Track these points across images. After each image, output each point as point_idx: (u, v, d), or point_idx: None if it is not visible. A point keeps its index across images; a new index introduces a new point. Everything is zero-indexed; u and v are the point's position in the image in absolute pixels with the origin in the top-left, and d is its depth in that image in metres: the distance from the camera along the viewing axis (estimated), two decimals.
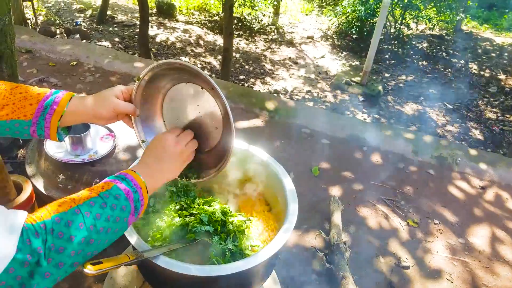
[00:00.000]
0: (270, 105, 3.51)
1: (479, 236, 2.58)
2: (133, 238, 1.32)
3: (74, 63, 3.74)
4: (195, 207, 1.67)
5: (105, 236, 0.90)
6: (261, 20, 7.49)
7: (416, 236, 2.51)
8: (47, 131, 1.07)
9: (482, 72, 6.13)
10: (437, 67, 6.21)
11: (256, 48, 6.13)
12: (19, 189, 2.00)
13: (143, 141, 1.32)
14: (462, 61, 6.52)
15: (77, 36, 5.39)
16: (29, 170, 2.18)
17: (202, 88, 1.22)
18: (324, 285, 2.11)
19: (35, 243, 0.74)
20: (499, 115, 4.87)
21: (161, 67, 1.18)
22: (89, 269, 1.04)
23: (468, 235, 2.58)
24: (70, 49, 3.83)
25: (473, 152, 3.31)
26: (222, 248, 1.54)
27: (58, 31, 5.57)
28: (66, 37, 5.31)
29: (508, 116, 4.87)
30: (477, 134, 4.44)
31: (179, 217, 1.61)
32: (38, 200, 2.09)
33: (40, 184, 2.10)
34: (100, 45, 5.04)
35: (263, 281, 1.56)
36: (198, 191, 1.83)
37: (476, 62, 6.53)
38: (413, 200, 2.79)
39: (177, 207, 1.68)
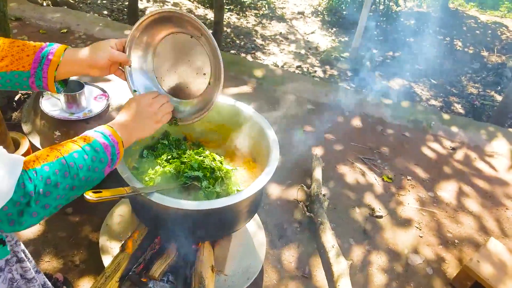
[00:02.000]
0: (258, 73, 3.65)
1: (447, 190, 2.81)
2: (131, 180, 1.47)
3: (65, 30, 3.80)
4: (186, 157, 1.84)
5: (85, 183, 1.01)
6: None
7: (390, 190, 2.73)
8: (45, 81, 1.16)
9: (466, 49, 6.31)
10: (423, 43, 6.36)
11: (247, 23, 6.18)
12: (16, 145, 2.13)
13: (134, 91, 1.42)
14: (448, 38, 6.67)
15: (65, 7, 5.37)
16: (25, 128, 2.30)
17: (192, 37, 1.33)
18: (304, 231, 2.32)
19: (28, 187, 0.85)
20: (480, 90, 5.07)
21: (153, 16, 1.28)
22: (91, 196, 1.20)
23: (437, 189, 2.81)
24: (61, 16, 3.88)
25: (446, 116, 3.52)
26: (211, 191, 1.72)
27: (45, 4, 5.55)
28: None
29: (489, 91, 5.07)
30: (458, 108, 4.64)
31: (170, 165, 1.78)
32: None
33: (36, 140, 2.22)
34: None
35: (247, 220, 1.74)
36: (189, 145, 2.00)
37: (461, 39, 6.69)
38: (389, 159, 3.00)
39: (168, 157, 1.84)
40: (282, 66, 5.01)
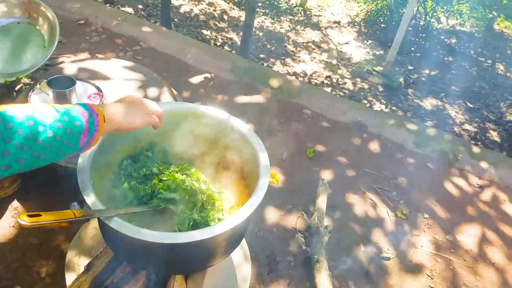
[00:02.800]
0: (274, 82, 3.42)
1: (468, 235, 2.49)
2: (89, 197, 1.28)
3: (82, 22, 3.70)
4: (166, 173, 1.64)
5: (53, 143, 0.91)
6: (289, 0, 7.30)
7: (403, 228, 2.44)
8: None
9: (508, 74, 5.89)
10: (462, 64, 5.97)
11: (280, 28, 5.99)
12: None
13: None
14: (490, 61, 6.26)
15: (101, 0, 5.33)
16: None
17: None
18: (298, 267, 2.07)
19: None
20: None
21: None
22: (24, 221, 1.00)
23: (457, 232, 2.49)
24: (80, 7, 3.79)
25: (476, 149, 3.18)
26: (187, 217, 1.51)
27: None
28: None
29: None
30: (494, 136, 4.28)
31: (147, 181, 1.59)
32: None
33: None
34: (120, 9, 4.98)
35: (224, 255, 1.52)
36: (175, 157, 1.80)
37: (503, 63, 6.26)
38: (405, 191, 2.71)
39: (147, 172, 1.65)
40: (311, 75, 4.77)
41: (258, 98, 3.25)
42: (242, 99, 3.19)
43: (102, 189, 1.48)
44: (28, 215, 1.03)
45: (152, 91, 2.33)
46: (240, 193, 1.69)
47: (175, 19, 5.26)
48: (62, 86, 2.02)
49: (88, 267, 1.59)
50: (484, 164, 3.04)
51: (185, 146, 1.79)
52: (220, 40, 5.23)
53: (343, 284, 2.05)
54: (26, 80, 2.74)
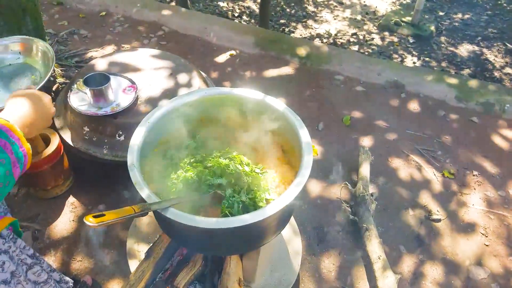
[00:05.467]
0: (302, 51, 3.34)
1: None
2: (143, 191, 1.33)
3: (104, 13, 3.72)
4: (210, 160, 1.66)
5: None
6: None
7: (451, 188, 2.38)
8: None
9: None
10: (499, 2, 5.57)
11: None
12: (47, 141, 2.09)
13: None
14: None
15: None
16: (57, 122, 2.25)
17: None
18: (347, 237, 2.08)
19: None
20: None
21: None
22: (91, 222, 1.06)
23: (510, 187, 2.41)
24: None
25: None
26: (235, 200, 1.54)
27: None
28: None
29: None
30: None
31: (193, 169, 1.62)
32: (67, 152, 2.17)
33: (67, 136, 2.17)
34: None
35: (276, 233, 1.55)
36: (215, 143, 1.81)
37: None
38: (451, 150, 2.62)
39: (191, 160, 1.68)
40: (336, 35, 4.61)
41: (286, 70, 3.20)
42: (271, 72, 3.14)
43: (152, 181, 1.52)
44: (94, 216, 1.09)
45: (183, 77, 2.34)
46: (284, 171, 1.69)
47: None
48: (97, 83, 2.06)
49: (149, 254, 1.67)
50: None
51: (223, 131, 1.81)
52: (238, 11, 5.11)
53: (394, 249, 2.05)
54: (61, 80, 2.81)
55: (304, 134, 1.56)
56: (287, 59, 3.29)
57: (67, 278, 1.61)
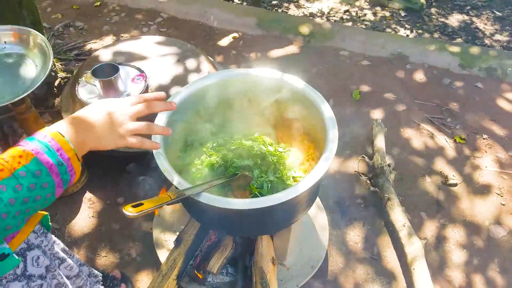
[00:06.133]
0: (305, 29, 3.31)
1: None
2: (174, 178, 1.33)
3: (98, 3, 3.63)
4: (233, 142, 1.66)
5: (23, 215, 0.80)
6: None
7: (464, 153, 2.41)
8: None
9: None
10: None
11: None
12: None
13: None
14: None
15: None
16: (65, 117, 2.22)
17: None
18: (369, 209, 2.11)
19: None
20: None
21: None
22: (130, 212, 1.05)
23: None
24: None
25: None
26: (264, 180, 1.54)
27: None
28: None
29: None
30: None
31: (217, 153, 1.62)
32: None
33: None
34: None
35: (306, 210, 1.56)
36: (235, 126, 1.81)
37: None
38: (460, 116, 2.64)
39: (214, 144, 1.68)
40: (328, 13, 4.58)
41: (291, 49, 3.17)
42: (276, 52, 3.12)
43: (176, 168, 1.52)
44: (132, 206, 1.09)
45: (191, 63, 2.31)
46: (307, 148, 1.70)
47: None
48: (106, 74, 2.03)
49: (178, 241, 1.67)
50: None
51: (243, 113, 1.79)
52: None
53: (416, 216, 2.08)
54: (63, 74, 2.77)
55: (326, 109, 1.56)
56: (291, 38, 3.26)
57: (96, 272, 1.62)
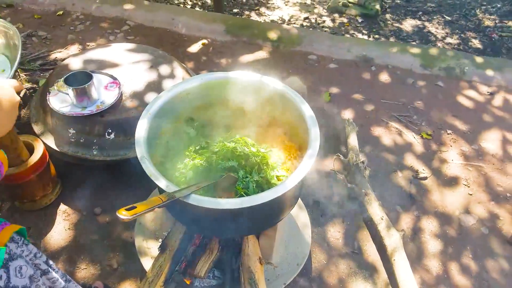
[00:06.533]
0: (273, 35, 3.37)
1: (491, 140, 2.61)
2: (161, 182, 1.32)
3: (61, 12, 3.54)
4: (216, 145, 1.67)
5: None
6: None
7: (431, 148, 2.54)
8: None
9: None
10: None
11: None
12: (30, 149, 1.98)
13: None
14: None
15: None
16: (36, 128, 2.15)
17: None
18: (347, 205, 2.17)
19: None
20: (497, 22, 4.71)
21: None
22: (124, 215, 1.05)
23: (480, 140, 2.61)
24: None
25: (479, 59, 3.24)
26: (249, 180, 1.56)
27: None
28: None
29: (506, 21, 4.72)
30: (476, 43, 4.33)
31: (200, 156, 1.62)
32: (52, 158, 2.08)
33: (51, 141, 2.08)
34: None
35: (292, 207, 1.59)
36: (215, 129, 1.82)
37: None
38: (424, 113, 2.78)
39: (197, 148, 1.68)
40: (289, 20, 4.69)
41: (261, 54, 3.22)
42: (246, 58, 3.16)
43: (160, 173, 1.51)
44: (126, 209, 1.08)
45: (164, 69, 2.30)
46: (288, 147, 1.74)
47: None
48: (79, 82, 1.99)
49: (163, 247, 1.65)
50: (490, 72, 3.11)
51: (223, 115, 1.81)
52: (190, 3, 5.05)
53: (392, 210, 2.17)
54: (28, 85, 2.67)
55: (306, 108, 1.61)
56: (260, 43, 3.31)
57: None
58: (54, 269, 1.38)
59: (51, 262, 1.38)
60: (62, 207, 2.11)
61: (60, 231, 2.01)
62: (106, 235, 2.00)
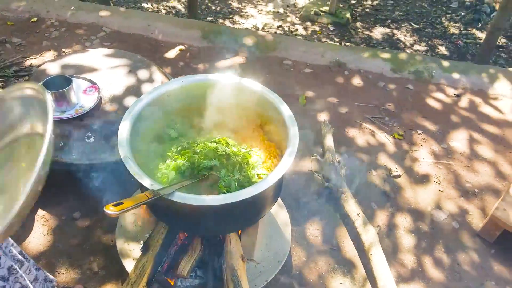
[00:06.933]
0: (249, 41, 3.45)
1: (459, 139, 2.75)
2: (145, 181, 1.35)
3: (35, 19, 3.49)
4: (197, 145, 1.70)
5: None
6: None
7: (403, 147, 2.65)
8: None
9: None
10: None
11: None
12: None
13: None
14: None
15: None
16: None
17: None
18: (324, 203, 2.24)
19: None
20: (462, 29, 4.96)
21: None
22: (112, 210, 1.08)
23: (449, 140, 2.74)
24: (27, 5, 3.56)
25: (445, 63, 3.41)
26: (232, 179, 1.60)
27: None
28: None
29: (470, 29, 4.97)
30: (443, 50, 4.54)
31: (182, 156, 1.65)
32: None
33: None
34: None
35: (272, 204, 1.64)
36: (196, 130, 1.86)
37: None
38: (396, 115, 2.90)
39: (179, 148, 1.71)
40: (263, 28, 4.79)
41: (238, 59, 3.28)
42: (223, 63, 3.21)
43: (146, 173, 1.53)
44: (113, 205, 1.11)
45: (143, 73, 2.32)
46: (268, 147, 1.79)
47: None
48: (57, 87, 1.99)
49: (145, 248, 1.67)
50: (455, 75, 3.28)
51: (204, 116, 1.85)
52: (163, 11, 5.08)
53: (367, 207, 2.25)
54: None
55: (285, 108, 1.67)
56: (236, 49, 3.38)
57: (51, 277, 1.59)
58: (26, 259, 1.39)
59: (23, 252, 1.39)
60: (40, 212, 2.09)
61: (38, 236, 1.98)
62: (86, 239, 1.99)
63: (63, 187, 2.17)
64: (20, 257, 1.30)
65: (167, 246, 1.73)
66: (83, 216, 2.09)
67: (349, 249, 2.04)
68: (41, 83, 1.98)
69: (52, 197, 2.14)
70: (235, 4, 5.35)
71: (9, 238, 1.28)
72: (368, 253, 1.92)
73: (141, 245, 1.74)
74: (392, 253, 2.06)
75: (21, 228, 2.01)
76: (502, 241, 2.10)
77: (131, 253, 1.84)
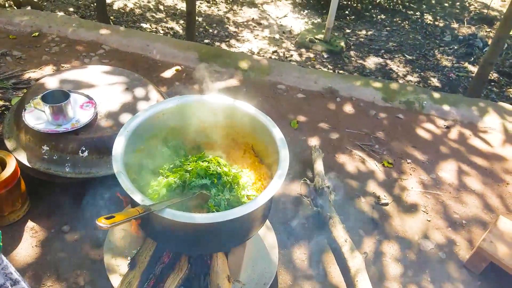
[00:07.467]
0: (244, 64, 3.53)
1: (447, 170, 2.80)
2: (136, 196, 1.37)
3: (36, 34, 3.56)
4: (189, 164, 1.73)
5: None
6: None
7: (392, 176, 2.69)
8: None
9: (436, 22, 6.30)
10: (394, 20, 6.32)
11: (218, 10, 5.99)
12: (2, 165, 1.98)
13: None
14: (418, 13, 6.65)
15: (28, 7, 5.07)
16: (9, 144, 2.14)
17: None
18: (312, 228, 2.26)
19: None
20: (454, 62, 5.10)
21: None
22: (104, 223, 1.10)
23: (438, 170, 2.79)
24: (30, 20, 3.64)
25: (436, 95, 3.51)
26: (221, 198, 1.63)
27: (7, 4, 5.22)
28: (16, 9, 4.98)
29: (462, 62, 5.12)
30: (435, 82, 4.66)
31: (174, 174, 1.67)
32: (23, 174, 2.07)
33: (23, 157, 2.08)
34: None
35: (261, 225, 1.66)
36: (189, 149, 1.89)
37: (430, 13, 6.68)
38: (386, 143, 2.96)
39: (171, 166, 1.74)
40: (258, 53, 4.90)
41: (232, 82, 3.35)
42: (218, 85, 3.27)
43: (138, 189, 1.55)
44: (105, 218, 1.13)
45: (139, 91, 2.37)
46: (257, 168, 1.82)
47: (111, 17, 5.14)
48: (55, 100, 2.02)
49: (133, 264, 1.67)
50: (446, 107, 3.37)
51: (196, 136, 1.89)
52: (161, 32, 5.19)
53: (355, 233, 2.27)
54: (0, 102, 2.66)
55: (277, 132, 1.71)
56: (232, 72, 3.45)
57: None
58: (22, 279, 1.38)
59: (20, 275, 1.38)
60: (30, 224, 2.09)
61: (26, 248, 1.98)
62: (74, 253, 1.99)
63: (54, 199, 2.18)
64: (15, 276, 1.29)
65: (154, 263, 1.73)
66: (73, 230, 2.09)
67: (336, 275, 2.05)
68: (39, 96, 2.02)
69: (43, 210, 2.14)
70: (232, 28, 5.49)
71: (4, 258, 1.28)
72: (354, 280, 1.93)
73: (129, 261, 1.74)
74: (378, 280, 2.07)
75: (10, 238, 2.00)
76: (489, 273, 2.12)
77: (118, 269, 1.84)
